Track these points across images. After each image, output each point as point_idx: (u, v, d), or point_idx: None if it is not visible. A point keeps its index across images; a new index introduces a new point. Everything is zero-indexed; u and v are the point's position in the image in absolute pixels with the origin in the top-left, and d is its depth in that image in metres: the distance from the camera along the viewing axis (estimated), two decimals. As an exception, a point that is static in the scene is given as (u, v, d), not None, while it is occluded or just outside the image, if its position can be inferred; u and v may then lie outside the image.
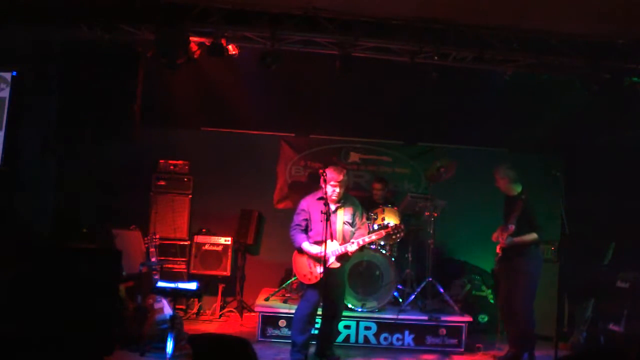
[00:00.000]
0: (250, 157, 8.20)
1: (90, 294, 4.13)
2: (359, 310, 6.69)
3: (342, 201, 5.74)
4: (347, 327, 6.55)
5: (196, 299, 7.51)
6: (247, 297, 7.83)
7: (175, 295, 5.89)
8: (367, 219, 6.61)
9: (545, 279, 6.25)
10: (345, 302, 6.19)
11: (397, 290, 7.05)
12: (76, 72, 6.00)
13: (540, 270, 6.05)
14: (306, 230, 5.70)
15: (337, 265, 5.58)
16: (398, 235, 5.92)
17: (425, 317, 6.63)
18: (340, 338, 6.44)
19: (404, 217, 7.18)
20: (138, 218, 7.39)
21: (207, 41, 6.05)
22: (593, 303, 6.71)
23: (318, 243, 5.48)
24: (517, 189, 6.06)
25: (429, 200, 7.24)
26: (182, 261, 7.73)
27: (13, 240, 5.01)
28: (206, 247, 7.74)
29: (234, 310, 7.78)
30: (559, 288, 7.44)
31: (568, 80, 6.44)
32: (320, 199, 5.57)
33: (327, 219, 5.38)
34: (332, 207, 5.67)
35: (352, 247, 5.59)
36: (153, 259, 6.47)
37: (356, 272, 6.71)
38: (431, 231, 7.13)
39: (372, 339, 6.60)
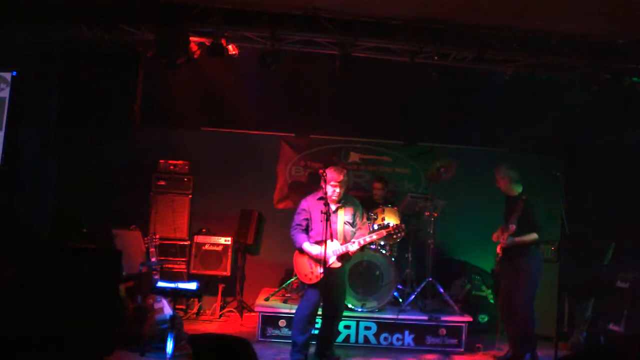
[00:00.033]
0: (250, 157, 8.20)
1: (90, 294, 4.13)
2: (359, 310, 6.69)
3: (343, 201, 5.74)
4: (347, 327, 6.55)
5: (196, 299, 7.51)
6: (247, 297, 7.83)
7: (175, 295, 5.89)
8: (367, 219, 6.62)
9: (545, 279, 6.25)
10: (345, 302, 6.19)
11: (397, 290, 7.05)
12: (76, 72, 6.00)
13: (540, 271, 6.05)
14: (307, 230, 5.71)
15: (338, 264, 5.59)
16: (399, 235, 5.93)
17: (425, 317, 6.63)
18: (340, 338, 6.44)
19: (404, 217, 7.18)
20: (138, 218, 7.39)
21: (207, 41, 6.05)
22: (593, 303, 6.71)
23: (319, 243, 5.48)
24: (518, 189, 6.06)
25: (429, 200, 7.24)
26: (182, 261, 7.73)
27: (13, 240, 5.00)
28: (206, 247, 7.74)
29: (234, 310, 7.78)
30: (559, 288, 7.44)
31: (568, 80, 6.45)
32: (321, 199, 5.57)
33: (327, 219, 5.39)
34: (333, 207, 5.68)
35: (353, 247, 5.59)
36: (153, 259, 6.47)
37: (356, 272, 6.71)
38: (431, 231, 7.13)
39: (372, 339, 6.60)
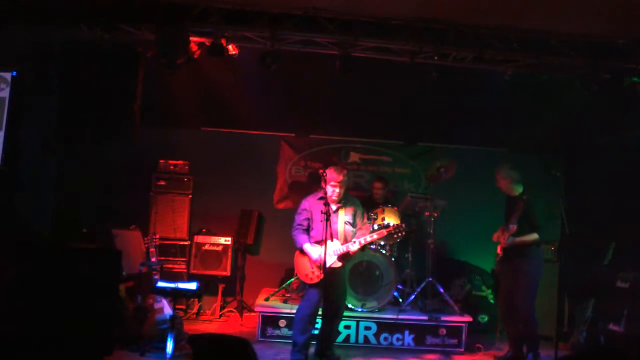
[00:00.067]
0: (250, 157, 8.20)
1: (90, 294, 4.12)
2: (359, 310, 6.69)
3: (343, 201, 5.75)
4: (347, 327, 6.55)
5: (196, 299, 7.51)
6: (247, 297, 7.83)
7: (175, 295, 5.89)
8: (367, 219, 6.61)
9: (545, 279, 6.24)
10: (346, 302, 6.19)
11: (397, 290, 7.05)
12: (76, 72, 6.00)
13: (541, 271, 6.06)
14: (308, 230, 5.71)
15: (339, 264, 5.59)
16: (399, 234, 5.93)
17: (425, 317, 6.63)
18: (340, 338, 6.44)
19: (404, 217, 7.18)
20: (138, 218, 7.40)
21: (207, 41, 6.05)
22: (593, 303, 6.71)
23: (319, 242, 5.48)
24: (519, 189, 6.06)
25: (429, 200, 7.24)
26: (182, 261, 7.73)
27: (13, 240, 5.00)
28: (206, 247, 7.74)
29: (234, 310, 7.78)
30: (559, 288, 7.45)
31: (568, 80, 6.44)
32: (321, 198, 5.58)
33: (327, 219, 5.39)
34: (334, 207, 5.69)
35: (353, 247, 5.59)
36: (153, 259, 6.47)
37: (356, 272, 6.72)
38: (431, 231, 7.13)
39: (372, 339, 6.60)
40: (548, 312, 6.82)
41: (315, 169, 8.15)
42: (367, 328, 6.61)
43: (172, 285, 5.86)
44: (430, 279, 6.97)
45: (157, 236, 6.71)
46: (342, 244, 5.60)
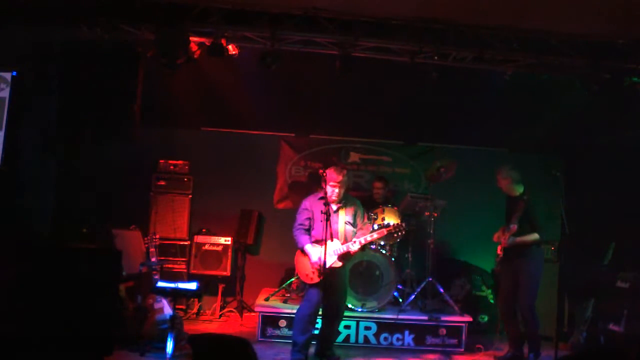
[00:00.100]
0: (250, 157, 8.21)
1: (90, 294, 4.12)
2: (359, 310, 6.69)
3: (344, 201, 5.75)
4: (347, 327, 6.55)
5: (196, 299, 7.51)
6: (247, 297, 7.83)
7: (175, 295, 5.90)
8: (368, 219, 6.62)
9: (545, 279, 6.25)
10: (346, 302, 6.19)
11: (397, 290, 7.05)
12: (76, 72, 6.01)
13: (541, 271, 6.08)
14: (309, 230, 5.71)
15: (339, 264, 5.59)
16: (399, 234, 5.93)
17: (425, 317, 6.63)
18: (340, 338, 6.44)
19: (404, 217, 7.18)
20: (138, 218, 7.39)
21: (207, 41, 6.05)
22: (593, 303, 6.71)
23: (319, 242, 5.48)
24: (519, 189, 6.07)
25: (429, 200, 7.24)
26: (182, 261, 7.73)
27: (13, 240, 5.00)
28: (206, 247, 7.74)
29: (234, 310, 7.78)
30: (559, 288, 7.45)
31: (568, 80, 6.44)
32: (321, 198, 5.58)
33: (327, 219, 5.39)
34: (334, 207, 5.69)
35: (354, 247, 5.60)
36: (153, 259, 6.47)
37: (356, 272, 6.72)
38: (431, 231, 7.13)
39: (372, 339, 6.60)
40: (548, 312, 6.83)
41: (315, 169, 8.15)
42: (367, 328, 6.62)
43: (172, 285, 5.86)
44: (430, 279, 6.97)
45: (157, 236, 6.71)
46: (342, 244, 5.60)
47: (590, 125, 7.26)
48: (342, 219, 5.72)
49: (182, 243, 7.77)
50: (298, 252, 5.75)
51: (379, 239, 6.36)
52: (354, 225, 5.78)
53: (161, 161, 7.91)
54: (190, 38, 5.95)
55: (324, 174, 5.60)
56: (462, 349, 6.56)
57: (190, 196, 7.89)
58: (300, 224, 5.72)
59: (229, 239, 7.77)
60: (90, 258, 4.37)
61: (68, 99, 6.00)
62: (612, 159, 7.19)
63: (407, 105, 7.35)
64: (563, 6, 5.38)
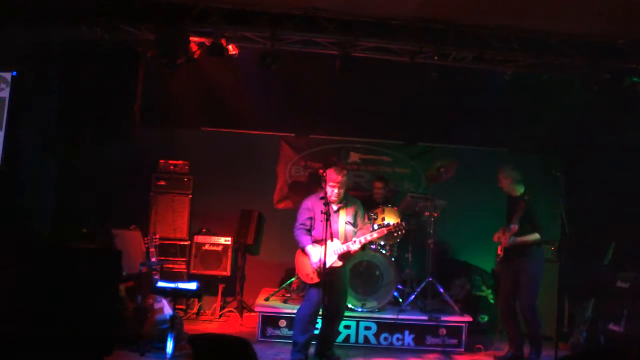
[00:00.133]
0: (250, 157, 8.21)
1: (90, 294, 4.12)
2: (359, 310, 6.69)
3: (345, 202, 5.76)
4: (347, 327, 6.55)
5: (196, 299, 7.51)
6: (247, 297, 7.83)
7: (175, 295, 5.89)
8: (368, 219, 6.62)
9: (545, 279, 6.25)
10: (346, 302, 6.19)
11: (397, 290, 7.05)
12: (76, 72, 6.01)
13: (541, 271, 6.08)
14: (310, 230, 5.71)
15: (340, 263, 5.60)
16: (400, 232, 5.93)
17: (425, 317, 6.63)
18: (340, 338, 6.44)
19: (404, 217, 7.17)
20: (138, 218, 7.39)
21: (207, 41, 6.05)
22: (593, 303, 6.71)
23: (319, 242, 5.48)
24: (520, 189, 6.08)
25: (429, 200, 7.24)
26: (182, 261, 7.73)
27: (13, 240, 5.00)
28: (206, 247, 7.74)
29: (234, 310, 7.78)
30: (559, 288, 7.45)
31: (568, 80, 6.45)
32: (322, 198, 5.58)
33: (327, 219, 5.39)
34: (335, 207, 5.70)
35: (354, 246, 5.60)
36: (153, 259, 6.47)
37: (356, 272, 6.71)
38: (431, 231, 7.13)
39: (372, 339, 6.60)
40: (548, 312, 6.83)
41: (315, 169, 8.16)
42: (367, 328, 6.62)
43: (172, 285, 5.86)
44: (430, 279, 6.97)
45: (157, 236, 6.71)
46: (342, 244, 5.60)
47: (590, 125, 7.26)
48: (343, 219, 5.72)
49: (182, 243, 7.77)
50: (298, 252, 5.75)
51: (379, 238, 6.35)
52: (354, 225, 5.78)
53: (161, 161, 7.91)
54: (190, 38, 5.95)
55: (324, 174, 5.61)
56: (462, 349, 6.56)
57: (190, 196, 7.89)
58: (302, 224, 5.72)
59: (229, 239, 7.77)
60: (90, 258, 4.37)
61: (68, 99, 6.01)
62: (612, 159, 7.19)
63: (407, 105, 7.35)
64: (563, 6, 5.38)
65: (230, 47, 6.09)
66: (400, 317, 6.62)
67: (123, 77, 6.07)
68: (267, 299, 7.01)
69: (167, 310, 5.93)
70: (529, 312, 5.99)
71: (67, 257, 4.34)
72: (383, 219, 6.95)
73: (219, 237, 7.78)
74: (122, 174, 7.44)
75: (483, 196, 7.58)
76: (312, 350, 5.84)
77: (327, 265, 5.40)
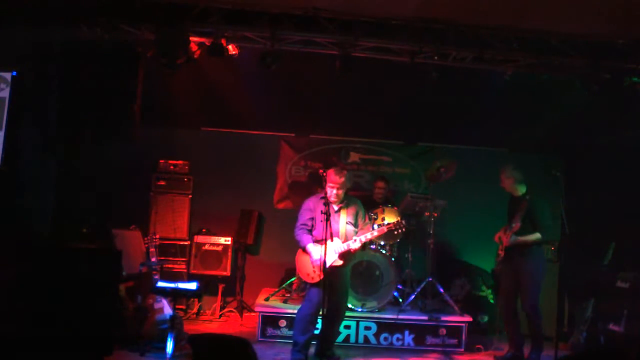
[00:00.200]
0: (250, 157, 8.21)
1: (90, 294, 4.12)
2: (359, 310, 6.69)
3: (346, 202, 5.76)
4: (347, 327, 6.55)
5: (196, 299, 7.51)
6: (247, 297, 7.83)
7: (175, 295, 5.89)
8: (368, 219, 6.62)
9: (545, 279, 6.25)
10: (347, 303, 6.18)
11: (397, 290, 7.05)
12: (76, 72, 6.01)
13: (541, 270, 6.08)
14: (311, 230, 5.71)
15: (340, 262, 5.60)
16: (400, 230, 5.93)
17: (425, 317, 6.63)
18: (340, 338, 6.44)
19: (404, 217, 7.17)
20: (138, 218, 7.39)
21: (207, 41, 6.05)
22: (593, 303, 6.71)
23: (320, 242, 5.49)
24: (522, 189, 6.09)
25: (429, 200, 7.24)
26: (182, 261, 7.73)
27: (13, 240, 5.00)
28: (206, 247, 7.74)
29: (234, 310, 7.78)
30: (559, 288, 7.45)
31: (568, 80, 6.44)
32: (322, 198, 5.59)
33: (327, 219, 5.39)
34: (335, 207, 5.71)
35: (355, 245, 5.60)
36: (153, 259, 6.47)
37: (356, 272, 6.71)
38: (431, 231, 7.13)
39: (372, 339, 6.60)
40: (548, 312, 6.81)
41: (315, 169, 8.16)
42: (367, 328, 6.62)
43: (172, 285, 5.86)
44: (430, 279, 6.97)
45: (157, 236, 6.71)
46: (343, 243, 5.61)
47: (590, 125, 7.26)
48: (344, 219, 5.72)
49: (182, 243, 7.77)
50: (299, 252, 5.75)
51: (380, 236, 6.34)
52: (355, 225, 5.78)
53: (161, 161, 7.91)
54: (190, 38, 5.95)
55: (324, 175, 5.61)
56: (462, 349, 6.56)
57: (190, 196, 7.89)
58: (303, 224, 5.72)
59: (229, 239, 7.77)
60: (90, 258, 4.37)
61: (68, 99, 6.00)
62: (612, 159, 7.19)
63: (407, 105, 7.36)
64: (563, 6, 5.38)
65: (230, 47, 6.09)
66: (400, 317, 6.62)
67: (123, 77, 6.07)
68: (267, 299, 7.01)
69: (167, 310, 5.93)
70: (531, 312, 5.99)
71: (67, 257, 4.35)
72: (383, 219, 6.95)
73: (219, 237, 7.78)
74: (122, 174, 7.44)
75: (483, 196, 7.58)
76: (312, 350, 5.84)
77: (328, 264, 5.40)
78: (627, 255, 6.73)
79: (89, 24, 5.85)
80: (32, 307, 4.02)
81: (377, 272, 6.82)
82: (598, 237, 7.04)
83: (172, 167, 7.91)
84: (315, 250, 5.55)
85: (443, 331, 6.58)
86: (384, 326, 6.62)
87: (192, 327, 6.90)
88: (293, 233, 5.76)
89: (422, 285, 6.97)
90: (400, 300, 7.01)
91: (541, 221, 5.94)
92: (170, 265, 7.63)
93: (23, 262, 4.13)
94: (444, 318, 6.63)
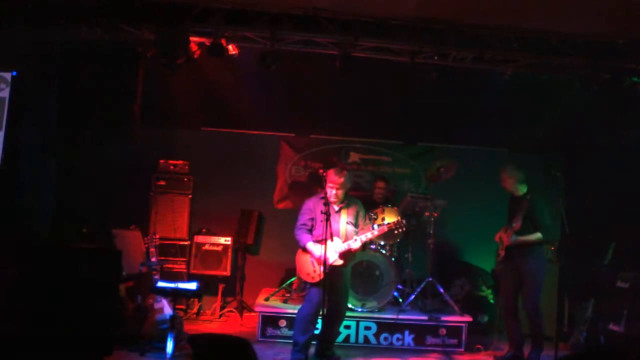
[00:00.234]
0: (250, 157, 8.21)
1: (90, 294, 4.13)
2: (359, 310, 6.69)
3: (346, 202, 5.76)
4: (347, 327, 6.55)
5: (196, 299, 7.51)
6: (247, 297, 7.83)
7: (175, 295, 5.90)
8: (368, 219, 6.62)
9: (545, 279, 6.25)
10: (347, 303, 6.18)
11: (397, 290, 7.05)
12: (76, 72, 6.01)
13: (541, 270, 6.09)
14: (311, 231, 5.71)
15: (341, 262, 5.60)
16: (400, 230, 5.93)
17: (425, 317, 6.63)
18: (340, 338, 6.44)
19: (404, 217, 7.17)
20: (138, 218, 7.39)
21: (207, 41, 6.05)
22: (593, 303, 6.71)
23: (320, 242, 5.49)
24: (523, 189, 6.09)
25: (429, 200, 7.24)
26: (182, 261, 7.73)
27: (13, 240, 5.00)
28: (206, 247, 7.74)
29: (234, 310, 7.78)
30: (559, 288, 7.45)
31: (568, 80, 6.45)
32: (322, 198, 5.59)
33: (327, 219, 5.39)
34: (336, 207, 5.71)
35: (355, 244, 5.61)
36: (153, 259, 6.47)
37: (356, 272, 6.71)
38: (431, 231, 7.13)
39: (372, 339, 6.60)
40: (548, 312, 6.81)
41: (315, 169, 8.16)
42: (367, 328, 6.62)
43: (172, 285, 5.86)
44: (430, 279, 6.97)
45: (157, 236, 6.71)
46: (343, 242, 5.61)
47: (590, 125, 7.26)
48: (344, 219, 5.73)
49: (182, 243, 7.77)
50: (299, 252, 5.75)
51: (380, 236, 6.34)
52: (355, 225, 5.78)
53: (161, 161, 7.91)
54: (190, 38, 5.95)
55: (324, 175, 5.61)
56: (462, 349, 6.57)
57: (190, 196, 7.89)
58: (303, 224, 5.72)
59: (229, 239, 7.77)
60: (90, 258, 4.38)
61: (68, 99, 6.01)
62: (612, 159, 7.19)
63: (407, 105, 7.36)
64: (563, 6, 5.38)
65: (230, 47, 6.09)
66: (400, 317, 6.62)
67: (123, 77, 6.07)
68: (267, 299, 7.01)
69: (167, 310, 5.93)
70: (532, 312, 5.99)
71: (67, 257, 4.35)
72: (383, 219, 6.94)
73: (219, 237, 7.78)
74: (122, 174, 7.44)
75: (483, 196, 7.58)
76: (312, 350, 5.84)
77: (329, 264, 5.40)
78: (627, 255, 6.73)
79: (89, 24, 5.85)
80: (32, 307, 4.02)
81: (377, 272, 6.82)
82: (598, 237, 7.04)
83: (172, 167, 7.91)
84: (315, 248, 5.55)
85: (443, 331, 6.58)
86: (384, 326, 6.62)
87: (192, 327, 6.90)
88: (293, 233, 5.76)
89: (422, 285, 6.97)
90: (400, 300, 7.01)
91: (542, 221, 5.94)
92: (170, 265, 7.63)
93: (23, 262, 4.14)
94: (444, 318, 6.63)
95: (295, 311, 5.89)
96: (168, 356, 5.42)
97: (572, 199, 6.19)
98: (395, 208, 7.19)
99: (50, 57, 6.00)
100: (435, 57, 6.12)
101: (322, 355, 5.85)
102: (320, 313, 5.63)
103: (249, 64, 6.27)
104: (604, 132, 7.31)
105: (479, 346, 6.54)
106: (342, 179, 5.60)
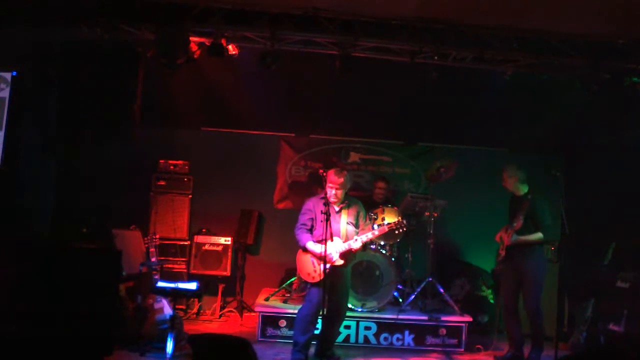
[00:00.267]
0: (250, 157, 8.20)
1: (90, 294, 4.13)
2: (359, 310, 6.69)
3: (347, 202, 5.76)
4: (347, 327, 6.55)
5: (196, 299, 7.51)
6: (247, 297, 7.83)
7: (175, 295, 5.90)
8: (368, 219, 6.62)
9: (545, 279, 6.25)
10: (347, 303, 6.18)
11: (397, 290, 7.05)
12: (76, 72, 6.01)
13: (542, 270, 6.08)
14: (311, 231, 5.71)
15: (341, 262, 5.59)
16: (401, 230, 5.93)
17: (425, 317, 6.63)
18: (340, 338, 6.44)
19: (404, 217, 7.17)
20: (138, 218, 7.39)
21: (207, 41, 6.05)
22: (593, 303, 6.71)
23: (321, 242, 5.49)
24: (524, 189, 6.09)
25: (429, 200, 7.24)
26: (182, 261, 7.73)
27: (13, 240, 5.00)
28: (206, 247, 7.74)
29: (234, 310, 7.78)
30: (559, 288, 7.45)
31: (568, 80, 6.45)
32: (322, 199, 5.59)
33: (327, 219, 5.39)
34: (336, 207, 5.71)
35: (355, 244, 5.61)
36: (153, 259, 6.47)
37: (356, 272, 6.70)
38: (431, 231, 7.13)
39: (372, 339, 6.60)
40: (548, 312, 6.80)
41: (315, 169, 8.16)
42: (367, 328, 6.61)
43: (172, 285, 5.86)
44: (430, 279, 6.97)
45: (157, 236, 6.71)
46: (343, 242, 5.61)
47: (590, 125, 7.26)
48: (345, 219, 5.73)
49: (182, 243, 7.77)
50: (299, 252, 5.74)
51: (380, 236, 6.34)
52: (356, 226, 5.78)
53: (161, 161, 7.91)
54: (190, 38, 5.95)
55: (324, 175, 5.61)
56: (462, 349, 6.56)
57: (190, 196, 7.89)
58: (303, 224, 5.72)
59: (229, 239, 7.77)
60: (90, 258, 4.38)
61: (68, 99, 6.01)
62: (612, 159, 7.19)
63: (407, 105, 7.35)
64: (563, 6, 5.38)
65: (230, 47, 6.09)
66: (400, 317, 6.62)
67: (123, 77, 6.07)
68: (267, 299, 7.01)
69: (167, 310, 5.93)
70: (533, 312, 5.99)
71: (67, 257, 4.35)
72: (383, 219, 6.94)
73: (219, 237, 7.78)
74: (122, 174, 7.43)
75: (483, 196, 7.58)
76: (312, 350, 5.84)
77: (330, 262, 5.40)
78: (627, 255, 6.73)
79: (89, 24, 5.85)
80: (32, 307, 4.02)
81: (377, 272, 6.82)
82: (598, 237, 7.04)
83: (172, 167, 7.91)
84: (316, 247, 5.55)
85: (443, 331, 6.58)
86: (384, 326, 6.62)
87: (192, 327, 6.90)
88: (293, 233, 5.76)
89: (422, 285, 6.97)
90: (400, 300, 7.01)
91: (543, 221, 5.94)
92: (170, 265, 7.63)
93: (23, 262, 4.14)
94: (444, 318, 6.63)
95: (295, 311, 5.89)
96: (168, 356, 5.42)
97: (572, 199, 6.19)
98: (396, 208, 7.18)
99: (50, 57, 6.00)
100: (435, 57, 6.13)
101: (322, 355, 5.85)
102: (321, 313, 5.63)
103: (249, 64, 6.27)
104: (604, 132, 7.30)
105: (479, 346, 6.54)
106: (342, 179, 5.60)
